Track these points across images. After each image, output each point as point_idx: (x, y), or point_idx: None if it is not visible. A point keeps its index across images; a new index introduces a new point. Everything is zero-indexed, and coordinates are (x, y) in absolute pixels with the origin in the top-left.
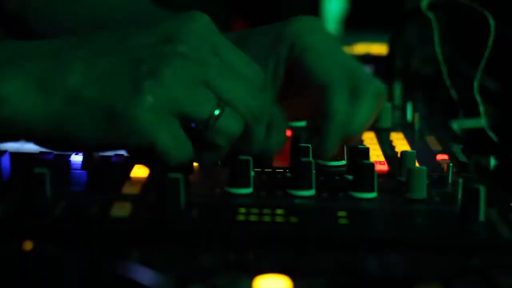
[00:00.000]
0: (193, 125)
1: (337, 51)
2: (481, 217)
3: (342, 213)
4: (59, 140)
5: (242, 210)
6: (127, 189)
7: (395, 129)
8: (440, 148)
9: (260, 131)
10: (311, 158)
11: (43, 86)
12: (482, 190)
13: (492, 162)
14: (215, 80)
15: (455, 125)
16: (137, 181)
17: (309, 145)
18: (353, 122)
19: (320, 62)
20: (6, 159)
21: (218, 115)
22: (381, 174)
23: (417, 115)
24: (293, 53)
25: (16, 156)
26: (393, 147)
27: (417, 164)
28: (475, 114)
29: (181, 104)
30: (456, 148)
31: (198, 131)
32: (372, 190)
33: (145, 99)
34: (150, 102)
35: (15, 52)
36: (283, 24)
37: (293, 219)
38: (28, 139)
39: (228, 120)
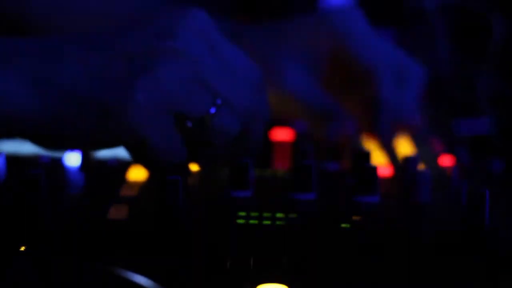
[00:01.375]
0: (189, 124)
1: (378, 38)
2: (486, 221)
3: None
4: (54, 138)
5: (242, 213)
6: (125, 192)
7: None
8: (444, 151)
9: (257, 131)
10: (312, 161)
11: (38, 83)
12: (487, 194)
13: (497, 165)
14: (211, 77)
15: (460, 128)
16: (135, 183)
17: (311, 148)
18: (403, 106)
19: (365, 49)
20: (1, 162)
21: (214, 113)
22: (385, 178)
23: (421, 117)
24: (336, 43)
25: (11, 159)
26: (396, 150)
27: (421, 167)
28: (480, 116)
29: (175, 101)
30: (461, 151)
31: (194, 131)
32: (374, 194)
33: (137, 95)
34: (143, 99)
35: (11, 49)
36: (323, 16)
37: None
38: (23, 137)
39: (224, 118)
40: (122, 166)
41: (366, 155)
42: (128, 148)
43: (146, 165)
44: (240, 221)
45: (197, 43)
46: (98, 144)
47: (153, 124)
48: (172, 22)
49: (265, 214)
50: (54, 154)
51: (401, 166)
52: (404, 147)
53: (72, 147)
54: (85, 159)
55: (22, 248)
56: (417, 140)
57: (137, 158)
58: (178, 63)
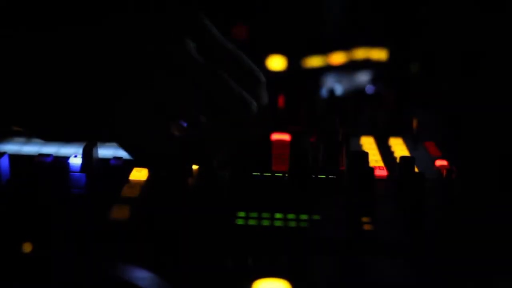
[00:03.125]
0: (184, 124)
1: None
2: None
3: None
4: (51, 130)
5: (242, 214)
6: (126, 192)
7: (394, 134)
8: (439, 154)
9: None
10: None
11: (39, 79)
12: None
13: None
14: (203, 80)
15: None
16: (136, 183)
17: (308, 151)
18: None
19: None
20: (5, 161)
21: (208, 117)
22: (380, 179)
23: (416, 120)
24: None
25: (15, 158)
26: (392, 152)
27: (416, 170)
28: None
29: (169, 104)
30: (454, 154)
31: (189, 130)
32: (370, 195)
33: (131, 98)
34: (137, 101)
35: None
36: None
37: (292, 223)
38: (22, 126)
39: (219, 121)
40: (124, 166)
41: (363, 156)
42: (125, 149)
43: (143, 165)
44: (240, 221)
45: (190, 46)
46: (95, 138)
47: (148, 125)
48: (166, 28)
49: (264, 215)
50: (56, 146)
51: None
52: (400, 149)
53: (69, 140)
54: (87, 159)
55: (26, 247)
56: (413, 142)
57: (134, 159)
58: (170, 67)
